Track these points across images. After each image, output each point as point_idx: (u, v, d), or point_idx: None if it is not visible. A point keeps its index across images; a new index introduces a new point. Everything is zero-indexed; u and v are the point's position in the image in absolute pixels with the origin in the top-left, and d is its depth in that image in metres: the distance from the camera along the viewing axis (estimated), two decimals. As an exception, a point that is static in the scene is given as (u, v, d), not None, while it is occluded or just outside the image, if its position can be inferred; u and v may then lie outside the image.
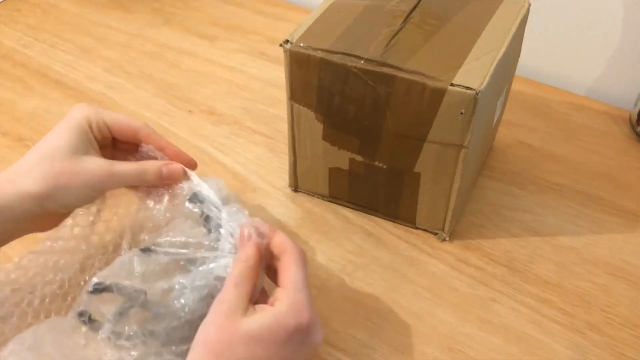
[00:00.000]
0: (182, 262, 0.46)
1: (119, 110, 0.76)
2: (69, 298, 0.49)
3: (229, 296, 0.41)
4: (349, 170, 0.60)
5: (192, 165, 0.52)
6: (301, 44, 0.53)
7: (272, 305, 0.42)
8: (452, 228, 0.60)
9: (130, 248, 0.49)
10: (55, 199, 0.46)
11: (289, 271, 0.43)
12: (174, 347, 0.43)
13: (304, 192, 0.65)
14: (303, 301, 0.42)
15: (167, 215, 0.49)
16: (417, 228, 0.61)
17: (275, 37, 0.90)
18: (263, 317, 0.40)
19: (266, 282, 0.46)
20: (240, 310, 0.40)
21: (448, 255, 0.59)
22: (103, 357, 0.42)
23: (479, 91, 0.48)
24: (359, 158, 0.58)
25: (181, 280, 0.44)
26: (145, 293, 0.44)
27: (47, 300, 0.49)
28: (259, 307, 0.42)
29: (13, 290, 0.48)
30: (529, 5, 0.59)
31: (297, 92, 0.56)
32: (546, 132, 0.73)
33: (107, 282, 0.44)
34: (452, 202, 0.57)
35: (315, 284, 0.56)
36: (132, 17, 0.94)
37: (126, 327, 0.43)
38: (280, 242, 0.45)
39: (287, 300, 0.41)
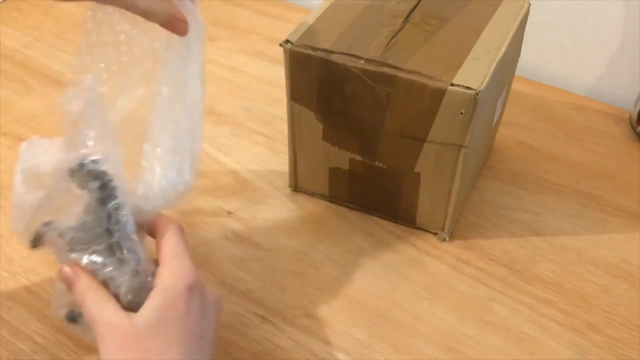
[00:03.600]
0: None
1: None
2: None
3: (104, 320, 0.40)
4: (349, 170, 0.60)
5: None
6: (301, 44, 0.53)
7: (156, 284, 0.41)
8: (452, 228, 0.60)
9: None
10: None
11: (165, 244, 0.43)
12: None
13: (304, 192, 0.65)
14: (183, 264, 0.42)
15: None
16: (417, 228, 0.61)
17: (275, 37, 0.89)
18: (151, 302, 0.40)
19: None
20: (122, 317, 0.39)
21: (448, 255, 0.59)
22: None
23: (479, 91, 0.48)
24: (359, 158, 0.58)
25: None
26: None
27: None
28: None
29: None
30: (529, 5, 0.59)
31: (297, 92, 0.56)
32: (546, 132, 0.73)
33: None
34: (452, 202, 0.57)
35: (315, 284, 0.56)
36: (132, 17, 0.94)
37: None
38: (152, 222, 0.44)
39: (168, 271, 0.41)
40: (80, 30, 0.46)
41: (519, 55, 0.63)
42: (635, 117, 0.73)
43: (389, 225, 0.62)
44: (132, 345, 0.38)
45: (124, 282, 0.41)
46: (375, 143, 0.56)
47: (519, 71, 0.67)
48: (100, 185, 0.41)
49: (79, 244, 0.42)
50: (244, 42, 0.89)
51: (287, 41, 0.54)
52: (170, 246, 0.43)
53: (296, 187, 0.65)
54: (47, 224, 0.43)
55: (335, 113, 0.56)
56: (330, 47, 0.53)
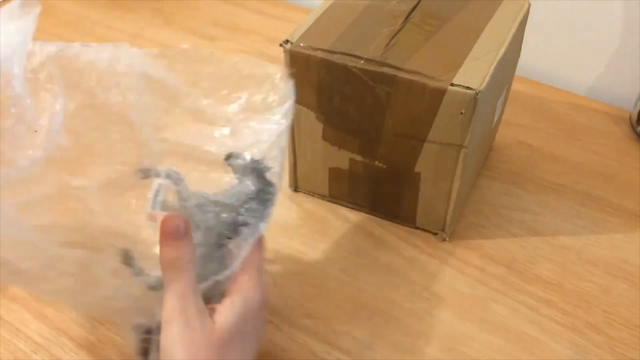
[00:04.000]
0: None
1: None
2: None
3: (187, 310, 0.39)
4: (349, 170, 0.60)
5: None
6: (301, 44, 0.53)
7: (236, 290, 0.41)
8: (452, 228, 0.60)
9: None
10: None
11: (251, 255, 0.43)
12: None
13: (304, 192, 0.65)
14: (261, 278, 0.43)
15: None
16: (417, 228, 0.61)
17: (275, 37, 0.89)
18: (233, 310, 0.40)
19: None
20: (204, 317, 0.39)
21: (448, 255, 0.59)
22: None
23: (479, 91, 0.48)
24: (359, 158, 0.58)
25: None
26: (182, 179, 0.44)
27: None
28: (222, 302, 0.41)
29: None
30: (529, 5, 0.59)
31: (297, 92, 0.56)
32: (546, 132, 0.73)
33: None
34: (452, 202, 0.57)
35: (316, 284, 0.56)
36: (132, 16, 0.94)
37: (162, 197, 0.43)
38: None
39: (247, 279, 0.41)
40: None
41: (519, 55, 0.63)
42: (635, 117, 0.73)
43: (389, 225, 0.62)
44: (211, 350, 0.38)
45: (214, 282, 0.41)
46: (375, 143, 0.56)
47: (519, 71, 0.67)
48: (259, 189, 0.43)
49: (200, 213, 0.42)
50: (244, 42, 0.89)
51: (287, 41, 0.54)
52: (254, 258, 0.43)
53: (296, 187, 0.65)
54: (170, 174, 0.43)
55: (335, 113, 0.56)
56: (330, 47, 0.53)
